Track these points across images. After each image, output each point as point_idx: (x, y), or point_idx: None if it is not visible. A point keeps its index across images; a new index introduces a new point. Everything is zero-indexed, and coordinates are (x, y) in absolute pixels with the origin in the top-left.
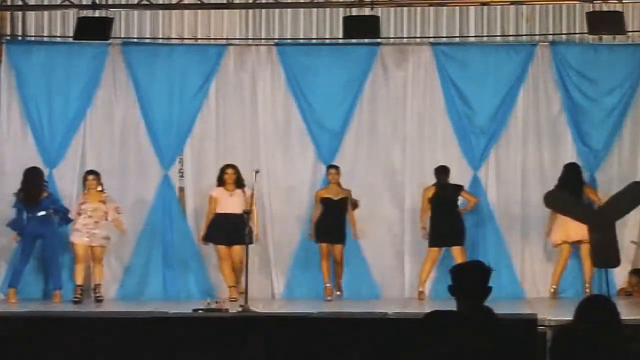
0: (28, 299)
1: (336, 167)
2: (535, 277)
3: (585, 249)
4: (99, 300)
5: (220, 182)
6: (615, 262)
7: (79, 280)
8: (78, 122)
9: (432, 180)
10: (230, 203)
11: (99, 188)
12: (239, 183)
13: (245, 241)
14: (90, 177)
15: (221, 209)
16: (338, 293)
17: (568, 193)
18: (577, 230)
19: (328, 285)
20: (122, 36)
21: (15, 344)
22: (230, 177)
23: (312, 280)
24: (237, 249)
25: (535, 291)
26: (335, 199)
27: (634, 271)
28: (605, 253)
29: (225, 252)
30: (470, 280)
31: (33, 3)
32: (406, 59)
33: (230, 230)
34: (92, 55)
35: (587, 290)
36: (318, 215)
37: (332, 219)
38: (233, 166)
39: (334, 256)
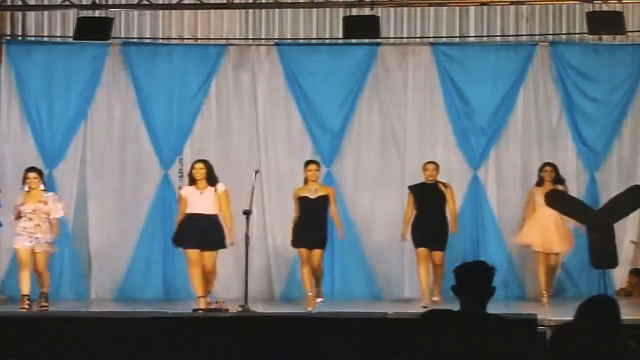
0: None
1: (316, 163)
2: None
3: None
4: (43, 309)
5: (190, 179)
6: (613, 263)
7: (25, 289)
8: (78, 122)
9: None
10: (200, 203)
11: (41, 187)
12: (211, 180)
13: (222, 245)
14: (31, 174)
15: (190, 209)
16: (319, 300)
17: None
18: (556, 242)
19: (310, 293)
20: (122, 36)
21: (15, 344)
22: (198, 172)
23: None
24: (209, 254)
25: (535, 291)
26: (313, 197)
27: (634, 271)
28: (603, 254)
29: (195, 257)
30: (473, 280)
31: (33, 3)
32: (406, 59)
33: (200, 232)
34: (92, 55)
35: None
36: (295, 218)
37: (309, 221)
38: (204, 161)
39: (311, 263)
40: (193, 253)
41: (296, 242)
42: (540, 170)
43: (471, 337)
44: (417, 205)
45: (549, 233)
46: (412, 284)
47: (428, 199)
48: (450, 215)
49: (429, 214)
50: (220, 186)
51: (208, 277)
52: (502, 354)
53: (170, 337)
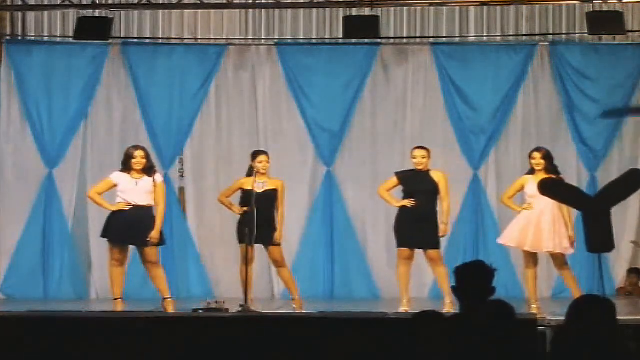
0: (28, 299)
1: (266, 154)
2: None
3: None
4: None
5: (125, 167)
6: (610, 246)
7: None
8: (78, 122)
9: None
10: (135, 193)
11: None
12: (149, 170)
13: (153, 242)
14: None
15: (121, 199)
16: (294, 306)
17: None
18: (548, 239)
19: (295, 297)
20: (122, 36)
21: (15, 344)
22: (139, 162)
23: (312, 280)
24: (147, 249)
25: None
26: (260, 191)
27: (633, 270)
28: (600, 237)
29: (117, 255)
30: (473, 280)
31: (33, 3)
32: (406, 59)
33: (128, 226)
34: (92, 55)
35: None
36: (241, 213)
37: (257, 216)
38: (143, 148)
39: (273, 260)
40: (116, 251)
41: (242, 239)
42: (529, 156)
43: (471, 338)
44: (404, 196)
45: (538, 229)
46: (412, 284)
47: (417, 189)
48: (442, 211)
49: (417, 207)
50: (158, 177)
51: (151, 270)
52: (502, 354)
53: (170, 337)
